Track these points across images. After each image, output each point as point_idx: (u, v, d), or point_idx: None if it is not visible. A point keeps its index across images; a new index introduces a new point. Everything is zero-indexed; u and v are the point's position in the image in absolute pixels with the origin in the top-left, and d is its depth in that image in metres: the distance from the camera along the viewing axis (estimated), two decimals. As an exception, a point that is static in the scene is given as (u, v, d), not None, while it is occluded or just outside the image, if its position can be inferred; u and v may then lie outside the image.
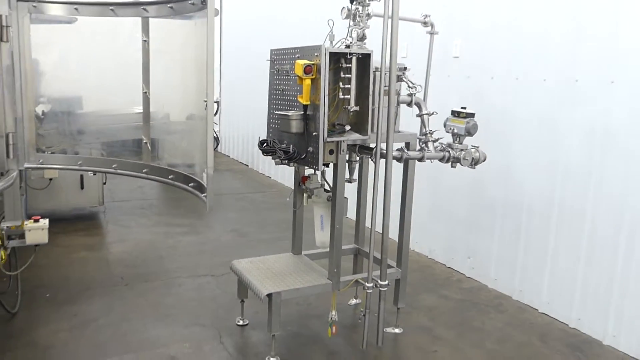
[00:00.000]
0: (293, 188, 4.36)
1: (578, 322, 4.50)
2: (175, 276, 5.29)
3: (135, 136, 4.14)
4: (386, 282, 3.92)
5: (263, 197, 8.74)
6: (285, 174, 9.50)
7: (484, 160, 4.05)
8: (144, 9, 3.62)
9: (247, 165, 11.26)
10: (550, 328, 4.52)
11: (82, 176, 6.79)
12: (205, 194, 3.46)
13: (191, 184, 3.64)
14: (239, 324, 4.35)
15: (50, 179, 6.38)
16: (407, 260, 4.26)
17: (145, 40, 3.82)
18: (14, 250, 4.19)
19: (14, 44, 3.43)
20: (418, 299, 4.91)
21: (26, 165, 3.72)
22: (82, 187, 6.81)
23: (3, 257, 3.92)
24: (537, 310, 4.81)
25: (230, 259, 5.53)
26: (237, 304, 4.45)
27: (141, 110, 4.08)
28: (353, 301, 4.80)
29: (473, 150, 4.01)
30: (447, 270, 5.73)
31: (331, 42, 3.72)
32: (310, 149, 3.50)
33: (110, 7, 3.65)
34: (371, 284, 3.87)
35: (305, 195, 4.22)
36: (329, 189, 4.04)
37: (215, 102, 2.85)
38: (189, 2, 3.26)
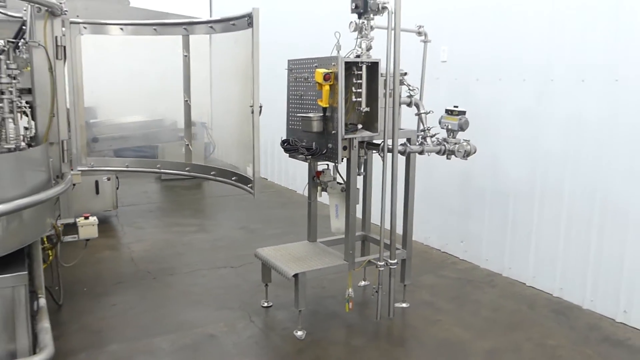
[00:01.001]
0: (307, 182, 4.87)
1: (560, 292, 5.12)
2: (197, 269, 5.77)
3: (176, 139, 4.62)
4: (395, 261, 4.48)
5: (263, 197, 9.24)
6: (281, 176, 10.02)
7: (475, 152, 4.63)
8: (185, 29, 4.13)
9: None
10: (536, 298, 5.13)
11: (97, 182, 7.20)
12: (250, 185, 3.97)
13: (234, 178, 4.14)
14: (264, 305, 4.85)
15: (74, 184, 6.77)
16: (411, 242, 4.83)
17: (186, 55, 4.33)
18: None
19: (68, 61, 3.90)
20: (419, 280, 5.48)
21: (79, 168, 4.18)
22: (97, 192, 7.22)
23: (51, 254, 4.38)
24: (524, 284, 5.43)
25: (244, 253, 6.09)
26: (259, 290, 4.98)
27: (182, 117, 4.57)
28: (362, 283, 5.34)
29: (465, 143, 4.60)
30: (442, 255, 6.32)
31: (338, 52, 4.28)
32: (330, 145, 4.05)
33: (154, 27, 4.15)
34: (382, 263, 4.43)
35: (319, 188, 4.76)
36: (342, 182, 4.58)
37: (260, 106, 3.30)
38: (230, 22, 3.78)
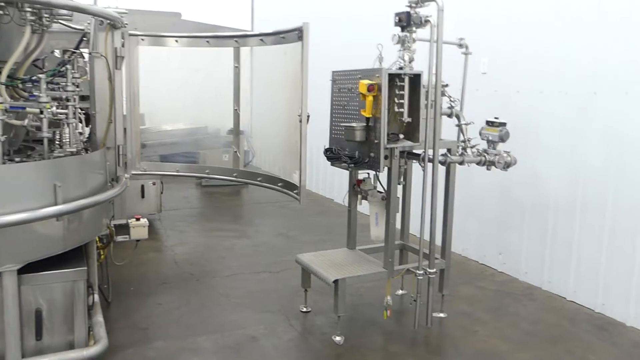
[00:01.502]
0: (348, 190, 4.98)
1: (603, 307, 5.06)
2: (238, 272, 5.94)
3: (219, 146, 4.82)
4: (434, 270, 4.54)
5: (301, 205, 9.34)
6: (319, 184, 10.16)
7: (515, 164, 4.66)
8: (236, 41, 4.33)
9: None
10: (577, 313, 5.08)
11: (142, 186, 7.47)
12: (296, 191, 4.12)
13: (279, 184, 4.30)
14: (302, 310, 4.97)
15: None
16: (450, 252, 4.88)
17: (236, 66, 4.53)
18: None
19: (126, 70, 4.15)
20: (457, 290, 5.50)
21: (133, 172, 4.41)
22: (142, 196, 7.49)
23: (103, 253, 4.61)
24: (565, 298, 5.38)
25: (283, 258, 6.23)
26: (298, 296, 5.10)
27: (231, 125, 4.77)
28: (400, 291, 5.40)
29: (505, 155, 4.63)
30: (480, 267, 6.32)
31: (381, 64, 4.40)
32: (372, 154, 4.16)
33: (207, 40, 4.36)
34: (421, 272, 4.49)
35: (359, 196, 4.86)
36: (382, 191, 4.67)
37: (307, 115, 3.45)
38: (280, 36, 3.95)
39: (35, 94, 3.59)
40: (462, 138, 4.71)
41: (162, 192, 7.85)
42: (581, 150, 5.20)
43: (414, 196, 4.91)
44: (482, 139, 4.71)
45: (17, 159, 3.61)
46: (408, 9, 4.29)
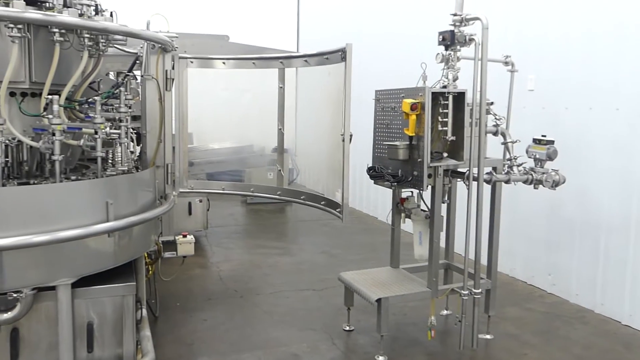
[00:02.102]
0: (391, 209, 4.96)
1: (660, 333, 4.82)
2: (281, 290, 5.98)
3: (264, 164, 4.91)
4: (480, 291, 4.44)
5: (344, 223, 9.37)
6: (362, 202, 10.14)
7: (564, 182, 4.54)
8: (281, 62, 4.44)
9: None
10: (634, 338, 4.86)
11: (190, 203, 7.64)
12: (338, 210, 4.15)
13: (322, 202, 4.34)
14: (345, 329, 4.95)
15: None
16: (496, 272, 4.77)
17: (281, 87, 4.65)
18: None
19: (175, 91, 4.32)
20: (504, 311, 5.36)
21: (180, 190, 4.55)
22: (189, 213, 7.66)
23: (152, 269, 4.74)
24: (619, 322, 5.16)
25: (326, 276, 6.24)
26: (341, 314, 5.09)
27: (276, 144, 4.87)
28: (444, 311, 5.31)
29: (553, 173, 4.52)
30: (528, 287, 6.14)
31: (424, 82, 4.40)
32: (415, 172, 4.14)
33: (253, 61, 4.49)
34: (466, 292, 4.41)
35: (403, 215, 4.83)
36: (426, 209, 4.63)
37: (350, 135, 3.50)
38: (324, 57, 4.03)
39: (90, 115, 3.77)
40: (508, 156, 4.63)
41: (208, 209, 8.01)
42: (634, 167, 5.01)
43: (458, 215, 4.84)
44: (529, 157, 4.61)
45: (73, 177, 3.78)
46: (452, 28, 4.29)
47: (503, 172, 4.58)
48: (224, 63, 4.55)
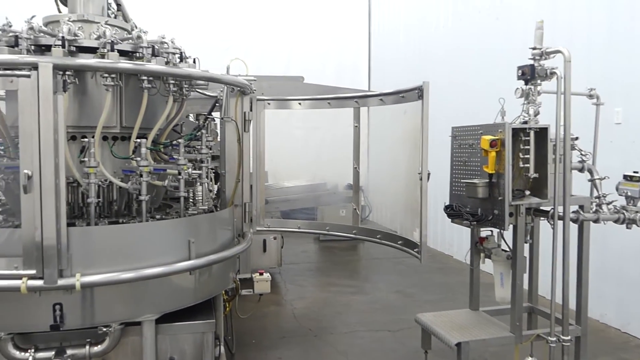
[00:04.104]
0: (470, 248, 4.79)
1: None
2: (355, 330, 5.89)
3: (338, 202, 4.92)
4: (569, 337, 4.15)
5: (418, 261, 9.17)
6: (437, 240, 9.89)
7: (660, 221, 4.22)
8: (356, 101, 4.50)
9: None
10: None
11: (264, 240, 7.74)
12: (416, 249, 4.07)
13: (399, 242, 4.27)
14: (423, 373, 4.77)
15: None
16: (586, 317, 4.45)
17: (356, 126, 4.70)
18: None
19: (253, 132, 4.47)
20: (596, 361, 4.98)
21: (257, 228, 4.64)
22: (264, 250, 7.76)
23: (229, 306, 4.81)
24: None
25: (402, 317, 6.08)
26: (417, 357, 4.91)
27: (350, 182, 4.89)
28: (529, 359, 4.99)
29: (648, 212, 4.21)
30: (622, 335, 5.68)
31: (502, 117, 4.28)
32: (496, 211, 3.99)
33: (328, 101, 4.58)
34: (554, 339, 4.14)
35: (482, 254, 4.65)
36: (507, 249, 4.44)
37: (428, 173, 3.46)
38: (400, 95, 4.04)
39: (174, 156, 3.95)
40: (596, 194, 4.38)
41: (282, 247, 8.10)
42: None
43: (542, 255, 4.60)
44: (620, 195, 4.33)
45: (157, 216, 3.95)
46: (532, 62, 4.17)
47: (591, 211, 4.32)
48: (300, 104, 4.66)
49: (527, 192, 4.11)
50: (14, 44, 3.49)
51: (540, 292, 4.83)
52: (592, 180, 4.40)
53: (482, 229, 4.58)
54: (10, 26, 3.63)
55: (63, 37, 3.46)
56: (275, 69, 10.82)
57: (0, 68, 3.17)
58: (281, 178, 7.67)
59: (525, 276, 4.64)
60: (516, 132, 4.03)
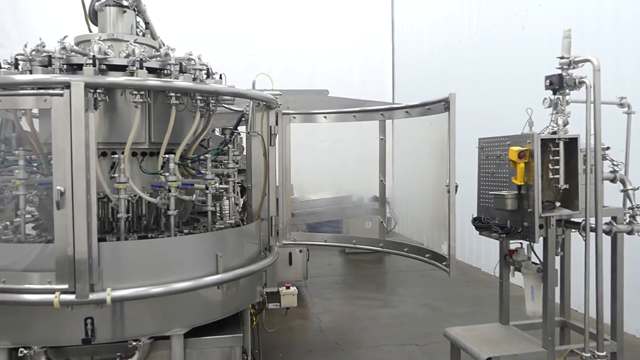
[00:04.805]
0: (499, 261, 4.72)
1: None
2: (383, 344, 5.82)
3: (367, 214, 4.90)
4: (604, 353, 4.04)
5: (446, 274, 9.06)
6: (464, 252, 9.75)
7: (699, 232, 4.09)
8: (382, 114, 4.50)
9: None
10: None
11: (290, 253, 7.75)
12: (445, 263, 4.02)
13: (427, 255, 4.23)
14: (452, 388, 4.68)
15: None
16: (622, 332, 4.32)
17: (382, 139, 4.69)
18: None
19: (278, 146, 4.50)
20: (633, 377, 4.83)
21: (284, 242, 4.65)
22: (290, 263, 7.77)
23: (255, 320, 4.81)
24: None
25: (429, 331, 6.00)
26: (446, 371, 4.82)
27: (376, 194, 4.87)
28: (562, 374, 4.87)
29: (685, 222, 4.10)
30: (660, 350, 5.50)
31: (530, 128, 4.22)
32: (526, 223, 3.93)
33: (353, 114, 4.59)
34: (589, 355, 4.03)
35: (511, 267, 4.57)
36: (538, 262, 4.35)
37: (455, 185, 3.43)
38: (426, 107, 4.03)
39: (202, 171, 3.99)
40: (629, 205, 4.28)
41: (308, 260, 8.09)
42: None
43: (574, 268, 4.50)
44: (655, 205, 4.23)
45: (185, 230, 3.99)
46: (560, 71, 4.12)
47: (624, 222, 4.22)
48: (325, 117, 4.67)
49: (558, 204, 4.03)
50: (48, 63, 3.59)
51: (573, 306, 4.73)
52: (624, 191, 4.30)
53: (511, 242, 4.51)
54: (44, 46, 3.73)
55: (94, 56, 3.54)
56: (299, 82, 10.88)
57: (34, 87, 3.26)
58: (306, 191, 7.67)
59: (557, 289, 4.56)
60: (545, 142, 3.97)
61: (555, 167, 3.94)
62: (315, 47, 12.89)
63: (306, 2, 12.94)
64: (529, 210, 3.91)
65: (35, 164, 3.88)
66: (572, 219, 4.20)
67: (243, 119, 4.86)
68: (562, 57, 4.16)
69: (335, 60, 12.90)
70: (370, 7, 13.50)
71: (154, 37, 4.81)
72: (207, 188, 3.81)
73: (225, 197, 4.15)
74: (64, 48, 3.59)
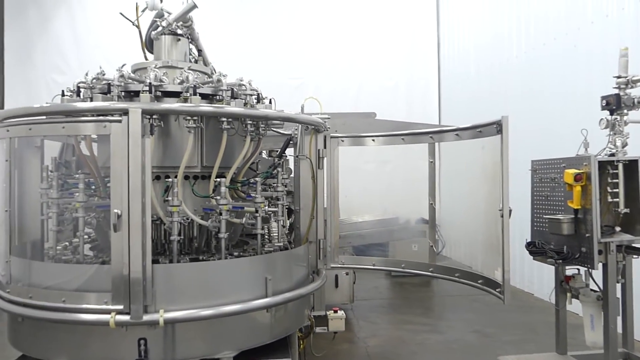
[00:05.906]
0: (554, 287, 4.54)
1: None
2: (433, 371, 5.67)
3: (414, 236, 4.83)
4: (673, 388, 3.81)
5: (496, 299, 8.79)
6: (515, 277, 9.42)
7: None
8: (431, 137, 4.46)
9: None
10: None
11: (336, 276, 7.71)
12: (499, 290, 3.91)
13: (480, 281, 4.13)
14: (507, 420, 4.51)
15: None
16: (691, 366, 4.07)
17: (431, 161, 4.66)
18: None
19: (327, 169, 4.52)
20: None
21: (332, 265, 4.63)
22: (336, 286, 7.72)
23: (303, 344, 4.79)
24: None
25: (481, 358, 5.80)
26: (500, 401, 4.64)
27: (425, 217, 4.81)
28: (626, 409, 4.61)
29: None
30: None
31: (585, 149, 4.08)
32: (584, 249, 3.78)
33: (402, 137, 4.58)
34: (655, 389, 3.80)
35: (568, 294, 4.39)
36: (597, 289, 4.17)
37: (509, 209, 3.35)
38: (477, 130, 3.97)
39: (252, 194, 4.04)
40: (697, 229, 4.06)
41: (354, 282, 8.03)
42: None
43: (637, 296, 4.28)
44: None
45: (235, 253, 4.03)
46: (617, 91, 3.99)
47: (691, 248, 4.00)
48: (373, 140, 4.67)
49: (618, 229, 3.88)
50: (107, 90, 3.74)
51: (637, 337, 4.48)
52: (690, 215, 4.09)
53: (567, 267, 4.35)
54: (104, 74, 3.90)
55: (150, 83, 3.68)
56: (345, 104, 10.93)
57: (95, 114, 3.40)
58: (352, 213, 7.63)
59: (619, 319, 4.35)
60: (603, 164, 3.84)
61: (615, 190, 3.80)
62: (361, 68, 12.94)
63: (350, 23, 13.05)
64: (587, 235, 3.77)
65: (94, 187, 4.02)
66: (633, 244, 4.02)
67: (291, 142, 4.91)
68: (619, 77, 4.04)
69: (381, 82, 12.90)
70: (416, 27, 13.48)
71: (206, 63, 4.95)
72: (256, 211, 3.85)
73: (273, 220, 4.19)
74: (122, 76, 3.74)
